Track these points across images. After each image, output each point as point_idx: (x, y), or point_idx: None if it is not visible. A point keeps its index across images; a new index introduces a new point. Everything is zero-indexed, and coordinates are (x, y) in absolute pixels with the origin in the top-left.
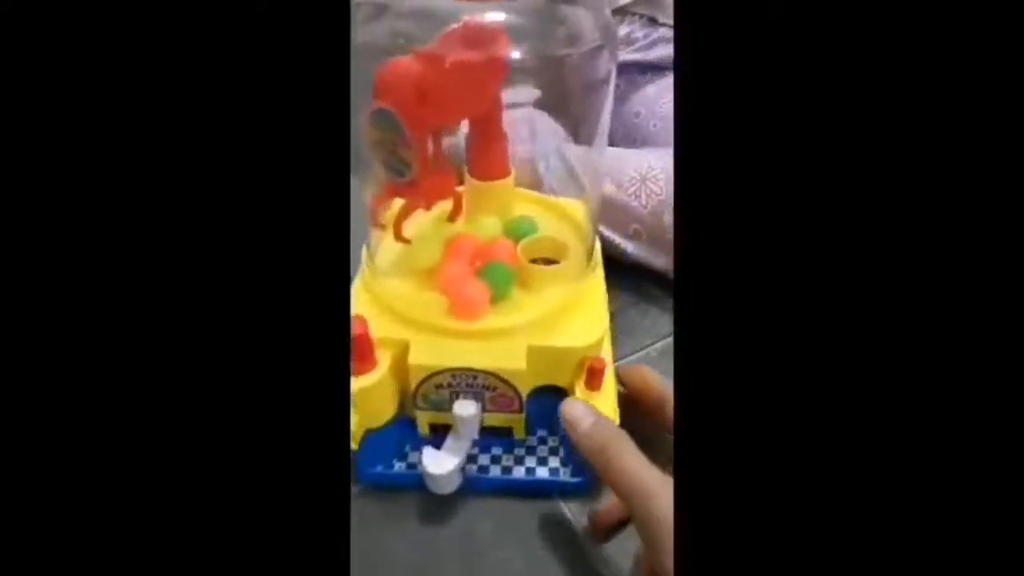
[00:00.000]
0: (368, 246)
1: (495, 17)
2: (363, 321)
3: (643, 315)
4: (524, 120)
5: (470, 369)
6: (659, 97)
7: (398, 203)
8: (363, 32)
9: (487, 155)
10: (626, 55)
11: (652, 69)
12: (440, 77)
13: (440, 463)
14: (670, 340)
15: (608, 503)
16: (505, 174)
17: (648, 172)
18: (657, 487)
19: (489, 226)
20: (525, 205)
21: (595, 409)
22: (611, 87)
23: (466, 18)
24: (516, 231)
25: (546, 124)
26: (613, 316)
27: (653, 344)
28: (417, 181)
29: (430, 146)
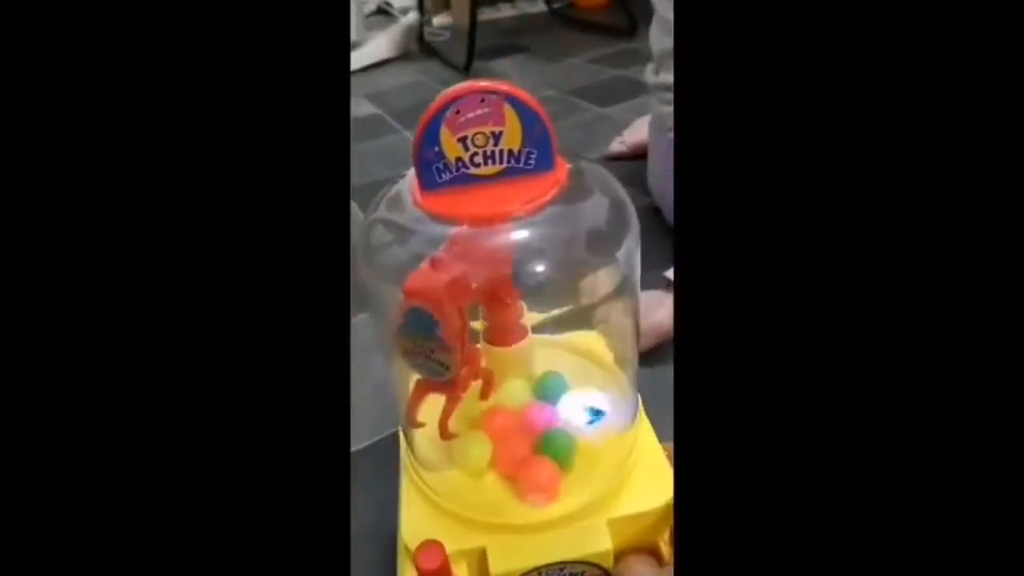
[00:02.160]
0: (409, 444)
1: (519, 235)
2: (439, 547)
3: None
4: None
5: (556, 563)
6: None
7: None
8: (389, 254)
9: (504, 322)
10: None
11: None
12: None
13: None
14: None
15: None
16: (523, 336)
17: None
18: None
19: (519, 391)
20: (549, 356)
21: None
22: (635, 254)
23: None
24: (547, 391)
25: None
26: None
27: None
28: (456, 377)
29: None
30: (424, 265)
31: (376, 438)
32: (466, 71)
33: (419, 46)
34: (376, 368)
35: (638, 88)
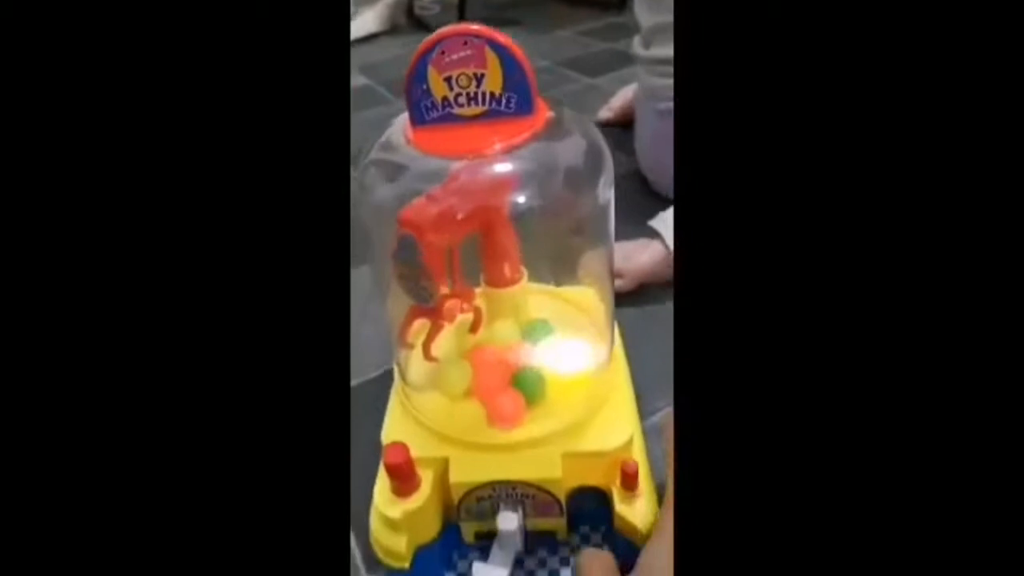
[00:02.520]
0: (398, 364)
1: (503, 168)
2: (404, 448)
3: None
4: None
5: (509, 481)
6: None
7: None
8: (383, 191)
9: (499, 264)
10: None
11: None
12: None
13: (489, 574)
14: None
15: None
16: (517, 280)
17: None
18: None
19: (507, 332)
20: (538, 300)
21: (612, 566)
22: (611, 199)
23: (472, 171)
24: (533, 335)
25: None
26: None
27: None
28: (439, 305)
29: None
30: (421, 199)
31: (374, 374)
32: None
33: (408, 20)
34: (376, 313)
35: (626, 60)
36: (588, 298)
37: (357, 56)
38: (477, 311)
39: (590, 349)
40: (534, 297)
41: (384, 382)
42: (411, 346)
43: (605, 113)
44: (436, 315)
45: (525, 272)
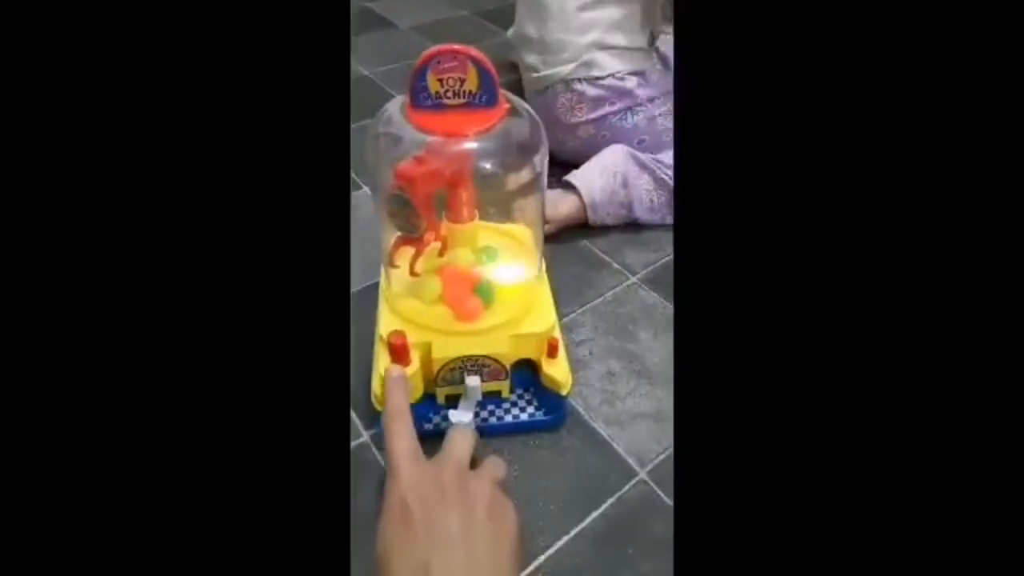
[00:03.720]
0: (386, 277)
1: (471, 145)
2: (403, 333)
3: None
4: None
5: (473, 355)
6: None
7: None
8: (389, 152)
9: (460, 208)
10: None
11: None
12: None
13: (461, 417)
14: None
15: None
16: (472, 218)
17: None
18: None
19: (466, 255)
20: (488, 235)
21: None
22: (546, 165)
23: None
24: (483, 258)
25: None
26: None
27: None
28: (424, 234)
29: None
30: (410, 160)
31: (371, 281)
32: None
33: None
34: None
35: None
36: (523, 233)
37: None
38: (444, 240)
39: (524, 268)
40: (484, 232)
41: (366, 295)
42: (397, 266)
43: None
44: (419, 243)
45: (477, 213)
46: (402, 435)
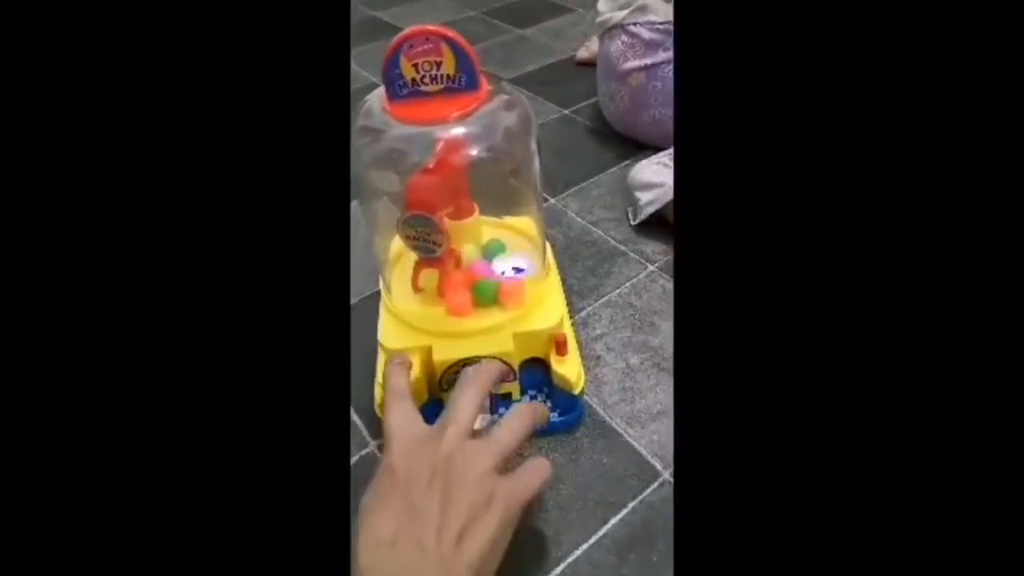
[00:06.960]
0: (387, 288)
1: (458, 131)
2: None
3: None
4: None
5: (477, 357)
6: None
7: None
8: (368, 149)
9: (459, 204)
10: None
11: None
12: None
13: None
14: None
15: None
16: (471, 214)
17: None
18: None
19: (469, 253)
20: (490, 228)
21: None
22: (536, 149)
23: (439, 135)
24: (490, 252)
25: None
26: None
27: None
28: (444, 255)
29: None
30: (419, 174)
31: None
32: None
33: None
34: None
35: (555, 10)
36: (526, 224)
37: None
38: (455, 252)
39: (530, 260)
40: (486, 227)
41: (365, 306)
42: (422, 290)
43: (583, 53)
44: (443, 264)
45: (477, 207)
46: (399, 409)
